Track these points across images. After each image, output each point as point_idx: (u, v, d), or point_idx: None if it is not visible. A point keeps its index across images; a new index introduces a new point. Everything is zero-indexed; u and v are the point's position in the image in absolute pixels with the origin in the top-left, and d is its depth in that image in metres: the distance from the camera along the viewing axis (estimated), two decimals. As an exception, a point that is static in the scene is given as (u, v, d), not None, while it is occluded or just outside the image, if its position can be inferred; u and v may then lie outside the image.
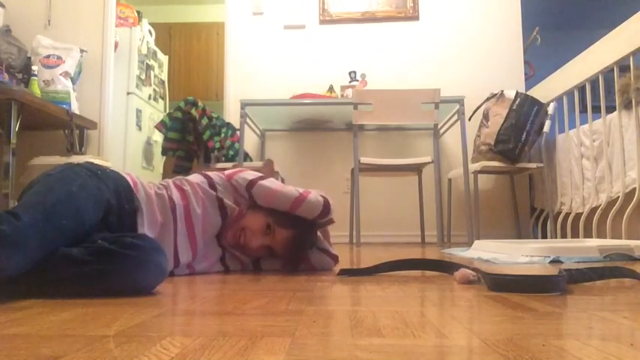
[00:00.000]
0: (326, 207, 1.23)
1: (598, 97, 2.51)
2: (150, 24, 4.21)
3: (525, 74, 3.58)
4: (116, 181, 1.09)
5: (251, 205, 1.27)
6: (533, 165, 2.95)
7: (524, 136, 2.89)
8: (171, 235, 1.14)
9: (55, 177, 0.99)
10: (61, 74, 2.99)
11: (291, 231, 1.22)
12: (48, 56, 3.01)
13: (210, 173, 1.30)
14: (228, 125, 3.15)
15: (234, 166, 2.27)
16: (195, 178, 1.26)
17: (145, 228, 1.09)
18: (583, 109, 2.73)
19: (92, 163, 1.13)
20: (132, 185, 1.12)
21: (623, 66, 2.37)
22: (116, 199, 1.05)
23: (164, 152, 2.93)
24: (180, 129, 2.86)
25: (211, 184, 1.24)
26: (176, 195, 1.18)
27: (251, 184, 1.24)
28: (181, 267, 1.18)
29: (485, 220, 3.28)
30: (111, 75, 3.34)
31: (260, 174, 1.29)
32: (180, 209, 1.16)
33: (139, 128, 3.90)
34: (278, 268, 1.32)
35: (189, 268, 1.21)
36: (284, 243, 1.22)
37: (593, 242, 1.91)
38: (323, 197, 1.25)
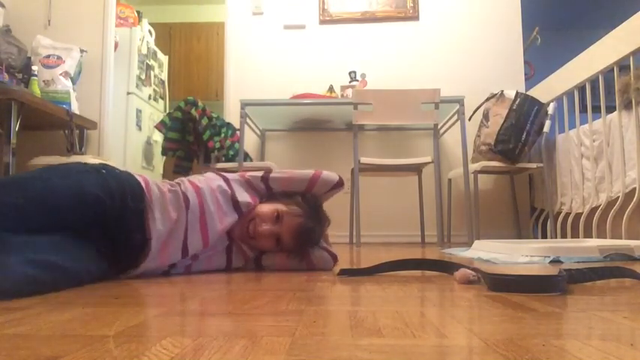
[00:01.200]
0: (340, 179, 1.36)
1: (598, 97, 2.51)
2: (150, 24, 4.21)
3: (525, 74, 3.58)
4: (121, 180, 1.11)
5: (264, 196, 1.32)
6: (533, 165, 2.95)
7: (524, 136, 2.89)
8: (182, 230, 1.16)
9: (48, 167, 1.06)
10: (61, 74, 2.99)
11: (300, 219, 1.24)
12: (48, 56, 3.02)
13: (224, 173, 1.35)
14: (228, 125, 3.15)
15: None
16: (210, 175, 1.30)
17: (157, 224, 1.11)
18: (583, 109, 2.73)
19: (104, 165, 1.15)
20: (143, 184, 1.14)
21: (623, 66, 2.37)
22: (118, 197, 1.07)
23: (164, 152, 2.93)
24: (180, 129, 2.86)
25: (226, 180, 1.29)
26: (191, 191, 1.20)
27: (264, 176, 1.33)
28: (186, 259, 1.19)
29: (486, 220, 3.28)
30: (111, 75, 3.34)
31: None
32: (195, 207, 1.18)
33: (139, 128, 3.90)
34: (278, 267, 1.32)
35: (193, 258, 1.22)
36: (292, 230, 1.23)
37: (593, 242, 1.91)
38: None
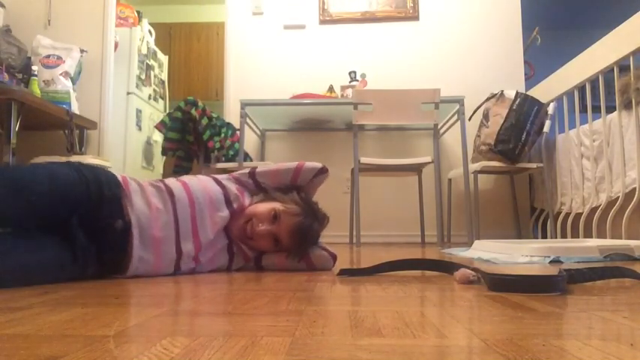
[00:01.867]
0: (324, 166, 1.39)
1: (598, 97, 2.51)
2: (150, 24, 4.21)
3: (525, 74, 3.58)
4: (94, 170, 1.14)
5: (255, 191, 1.35)
6: (533, 165, 2.95)
7: (524, 136, 2.89)
8: (172, 225, 1.16)
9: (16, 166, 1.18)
10: (61, 74, 2.99)
11: (298, 218, 1.24)
12: (48, 56, 3.02)
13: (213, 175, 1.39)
14: (228, 125, 3.15)
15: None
16: (200, 176, 1.34)
17: (137, 208, 1.12)
18: (583, 109, 2.74)
19: (79, 163, 1.20)
20: (119, 177, 1.17)
21: (623, 66, 2.37)
22: (93, 184, 1.09)
23: (164, 152, 2.93)
24: (180, 129, 2.86)
25: (215, 179, 1.32)
26: (177, 186, 1.22)
27: (251, 171, 1.37)
28: (185, 259, 1.18)
29: (485, 220, 3.28)
30: (111, 75, 3.34)
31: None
32: (183, 200, 1.19)
33: (139, 128, 3.90)
34: (278, 267, 1.32)
35: (195, 261, 1.21)
36: (290, 230, 1.23)
37: (593, 242, 1.91)
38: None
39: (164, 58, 4.52)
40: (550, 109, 2.96)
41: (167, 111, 4.33)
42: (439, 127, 2.92)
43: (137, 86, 3.85)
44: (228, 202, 1.26)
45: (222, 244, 1.27)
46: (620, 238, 2.24)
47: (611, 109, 2.44)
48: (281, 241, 1.25)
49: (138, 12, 4.07)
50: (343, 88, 3.35)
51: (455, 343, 0.50)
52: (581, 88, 2.78)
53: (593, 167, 2.57)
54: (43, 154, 2.81)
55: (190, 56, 5.40)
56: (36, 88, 2.83)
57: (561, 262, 1.55)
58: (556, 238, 2.85)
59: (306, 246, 1.30)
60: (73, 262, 1.04)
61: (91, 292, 0.89)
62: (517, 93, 3.00)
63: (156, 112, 4.24)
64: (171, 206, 1.17)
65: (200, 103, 2.82)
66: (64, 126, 2.95)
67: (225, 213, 1.25)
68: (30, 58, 3.06)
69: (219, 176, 1.35)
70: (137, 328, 0.58)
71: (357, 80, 3.41)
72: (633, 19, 2.27)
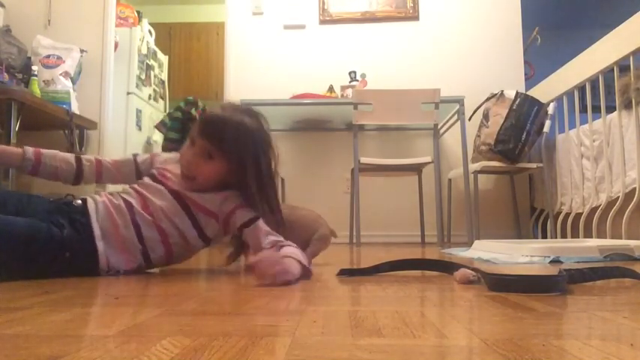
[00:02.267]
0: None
1: (598, 97, 2.51)
2: (150, 24, 4.21)
3: (525, 74, 3.58)
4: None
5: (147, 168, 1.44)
6: (533, 165, 2.95)
7: (524, 136, 2.89)
8: (119, 199, 1.23)
9: None
10: (61, 74, 2.99)
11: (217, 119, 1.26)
12: (48, 56, 3.01)
13: None
14: (229, 125, 3.14)
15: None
16: None
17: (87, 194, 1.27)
18: (583, 109, 2.74)
19: None
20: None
21: (623, 66, 2.37)
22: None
23: (164, 152, 2.93)
24: (180, 129, 2.85)
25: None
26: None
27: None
28: (142, 222, 1.18)
29: (485, 220, 3.28)
30: (111, 75, 3.34)
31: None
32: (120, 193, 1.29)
33: (139, 128, 3.90)
34: (253, 236, 1.19)
35: (151, 218, 1.18)
36: (199, 128, 1.22)
37: (593, 242, 1.91)
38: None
39: (164, 58, 4.52)
40: (550, 109, 2.96)
41: (167, 111, 4.33)
42: (439, 127, 2.92)
43: (137, 86, 3.85)
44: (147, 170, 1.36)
45: (168, 198, 1.21)
46: (620, 238, 2.24)
47: (611, 109, 2.45)
48: (202, 147, 1.20)
49: (138, 12, 4.07)
50: (343, 88, 3.36)
51: (455, 343, 0.50)
52: (581, 88, 2.78)
53: (593, 167, 2.57)
54: (43, 154, 2.80)
55: (190, 56, 5.40)
56: (36, 88, 2.83)
57: (561, 262, 1.55)
58: (556, 238, 2.85)
59: (224, 134, 1.21)
60: (49, 234, 1.09)
61: (91, 292, 0.89)
62: (517, 93, 3.00)
63: (156, 112, 4.24)
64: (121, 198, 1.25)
65: (200, 103, 2.82)
66: (64, 126, 2.95)
67: (151, 173, 1.31)
68: (30, 58, 3.06)
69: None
70: (137, 328, 0.58)
71: (357, 80, 3.41)
72: (633, 19, 2.27)
